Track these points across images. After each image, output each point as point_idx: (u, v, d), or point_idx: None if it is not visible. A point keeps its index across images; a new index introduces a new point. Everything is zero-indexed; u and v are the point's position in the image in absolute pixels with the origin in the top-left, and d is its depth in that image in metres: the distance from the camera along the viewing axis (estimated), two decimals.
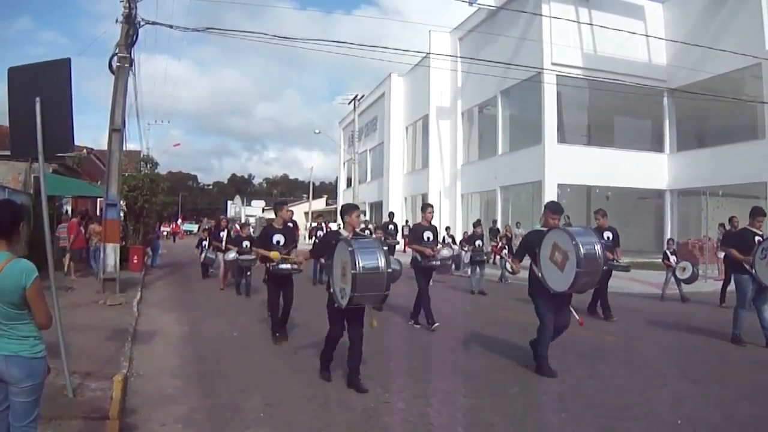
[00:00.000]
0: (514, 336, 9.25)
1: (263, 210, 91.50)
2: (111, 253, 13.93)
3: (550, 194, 24.83)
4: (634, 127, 30.44)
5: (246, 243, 14.76)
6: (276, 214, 9.70)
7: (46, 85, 5.78)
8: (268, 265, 8.85)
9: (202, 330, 10.20)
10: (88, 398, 5.72)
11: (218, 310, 12.53)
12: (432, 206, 10.98)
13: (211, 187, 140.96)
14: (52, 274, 5.78)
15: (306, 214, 62.16)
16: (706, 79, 23.32)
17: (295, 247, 9.57)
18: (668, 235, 23.28)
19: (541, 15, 24.06)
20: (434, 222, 11.05)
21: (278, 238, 9.08)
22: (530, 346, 7.45)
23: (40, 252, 6.29)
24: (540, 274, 7.02)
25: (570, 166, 25.32)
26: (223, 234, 17.11)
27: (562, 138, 26.65)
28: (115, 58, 14.23)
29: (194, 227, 75.02)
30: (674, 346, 9.12)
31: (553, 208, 7.47)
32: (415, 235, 10.74)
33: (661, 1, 27.43)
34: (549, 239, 6.98)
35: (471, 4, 27.89)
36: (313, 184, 79.98)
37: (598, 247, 6.68)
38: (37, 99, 5.65)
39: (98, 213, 22.95)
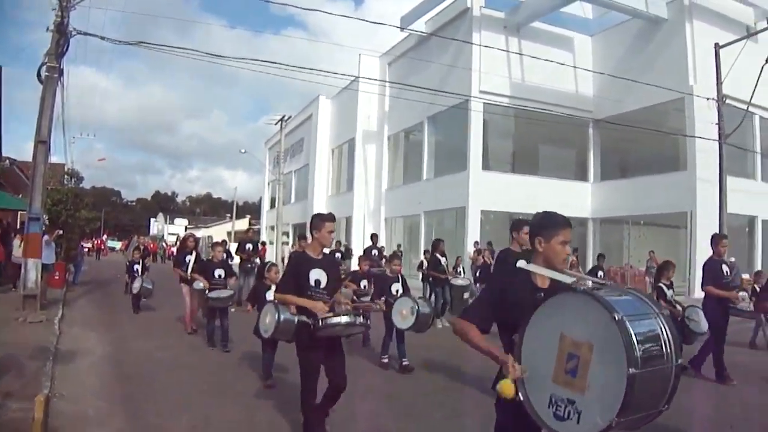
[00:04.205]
0: (446, 361, 9.07)
1: (186, 228, 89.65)
2: (32, 269, 13.19)
3: (473, 220, 25.02)
4: (559, 156, 30.84)
5: (219, 272, 10.80)
6: (312, 235, 5.55)
7: None
8: (311, 321, 5.13)
9: (127, 350, 9.87)
10: (9, 419, 5.59)
11: (144, 329, 12.13)
12: (528, 224, 7.29)
13: (134, 203, 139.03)
14: None
15: (229, 234, 61.03)
16: (632, 111, 23.92)
17: (340, 289, 6.05)
18: (591, 263, 23.07)
19: (471, 43, 24.10)
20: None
21: (317, 275, 5.38)
22: None
23: None
24: None
25: (494, 193, 25.35)
26: (190, 259, 12.08)
27: (487, 165, 26.63)
28: (44, 67, 13.58)
29: (117, 244, 73.19)
30: None
31: None
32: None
33: (590, 34, 28.15)
34: None
35: (402, 29, 27.83)
36: (237, 204, 79.07)
37: None
38: None
39: (18, 227, 21.89)
